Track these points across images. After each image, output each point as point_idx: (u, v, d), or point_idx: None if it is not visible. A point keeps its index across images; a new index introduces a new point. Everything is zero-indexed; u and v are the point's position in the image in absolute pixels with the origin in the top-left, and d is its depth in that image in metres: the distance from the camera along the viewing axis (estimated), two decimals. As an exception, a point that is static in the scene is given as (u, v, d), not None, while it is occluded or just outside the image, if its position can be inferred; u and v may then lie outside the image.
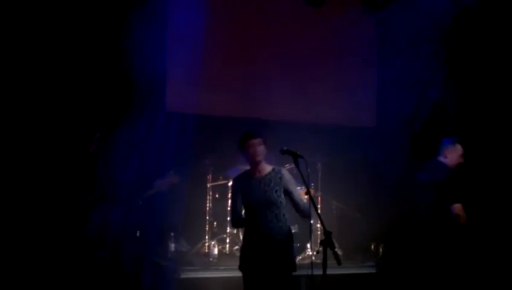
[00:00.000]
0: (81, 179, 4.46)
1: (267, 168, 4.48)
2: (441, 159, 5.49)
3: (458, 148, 5.50)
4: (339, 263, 3.97)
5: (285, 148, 4.23)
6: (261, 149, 4.38)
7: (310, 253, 6.50)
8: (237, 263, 6.05)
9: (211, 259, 6.25)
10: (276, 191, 4.36)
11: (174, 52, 6.73)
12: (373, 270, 6.47)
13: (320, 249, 4.01)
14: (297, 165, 4.21)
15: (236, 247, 6.43)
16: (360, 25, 7.50)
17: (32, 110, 5.35)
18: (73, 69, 5.66)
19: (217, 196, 6.87)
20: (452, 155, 5.47)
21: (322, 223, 4.06)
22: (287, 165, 6.30)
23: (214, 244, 6.38)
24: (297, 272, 5.23)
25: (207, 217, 6.67)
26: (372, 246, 7.13)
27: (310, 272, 4.38)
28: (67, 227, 4.26)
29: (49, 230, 4.41)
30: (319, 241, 6.54)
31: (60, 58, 5.60)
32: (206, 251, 6.44)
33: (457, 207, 5.22)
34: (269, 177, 4.42)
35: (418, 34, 7.01)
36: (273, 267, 4.29)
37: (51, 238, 4.40)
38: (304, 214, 4.45)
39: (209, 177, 6.79)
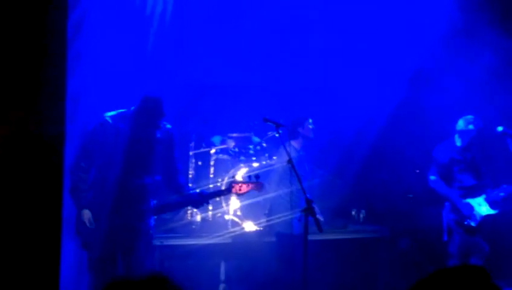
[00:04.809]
0: None
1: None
2: None
3: None
4: (320, 229, 4.02)
5: (267, 117, 4.26)
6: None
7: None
8: (220, 229, 6.14)
9: (193, 226, 6.27)
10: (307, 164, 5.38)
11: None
12: (356, 236, 6.59)
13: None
14: (278, 133, 4.24)
15: (219, 214, 6.45)
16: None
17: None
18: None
19: (199, 163, 6.85)
20: None
21: (303, 191, 4.08)
22: (270, 132, 6.31)
23: (196, 211, 6.39)
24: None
25: (190, 184, 6.66)
26: (353, 212, 7.21)
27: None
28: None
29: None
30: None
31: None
32: (189, 218, 6.46)
33: None
34: (303, 151, 5.36)
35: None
36: None
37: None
38: None
39: (192, 144, 6.76)
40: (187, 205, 4.88)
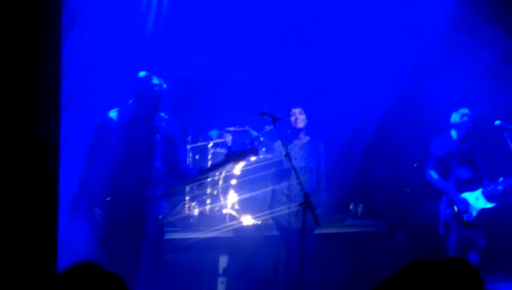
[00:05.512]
0: None
1: (306, 137, 4.99)
2: None
3: None
4: (318, 223, 4.03)
5: (264, 111, 4.26)
6: (303, 118, 4.92)
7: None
8: (218, 223, 6.14)
9: (191, 220, 6.27)
10: (310, 158, 4.90)
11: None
12: (352, 230, 6.59)
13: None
14: (276, 127, 4.24)
15: (217, 208, 6.45)
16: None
17: None
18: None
19: (196, 157, 6.84)
20: None
21: (301, 185, 4.08)
22: (267, 126, 6.30)
23: (194, 205, 6.39)
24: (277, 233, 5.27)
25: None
26: (351, 206, 7.21)
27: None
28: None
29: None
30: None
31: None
32: (187, 212, 6.46)
33: None
34: (306, 145, 4.92)
35: None
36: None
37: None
38: None
39: (189, 138, 6.75)
40: (189, 183, 4.91)
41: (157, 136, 4.13)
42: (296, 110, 4.92)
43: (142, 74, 4.12)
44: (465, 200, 5.33)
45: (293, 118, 4.91)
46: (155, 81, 4.09)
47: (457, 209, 5.34)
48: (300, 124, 4.92)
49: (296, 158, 4.68)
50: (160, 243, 4.26)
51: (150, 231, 4.08)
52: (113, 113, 4.14)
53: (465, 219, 5.32)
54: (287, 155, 4.23)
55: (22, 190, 2.49)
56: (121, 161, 3.97)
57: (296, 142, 4.94)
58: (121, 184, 4.00)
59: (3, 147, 2.48)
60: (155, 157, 4.11)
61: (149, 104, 4.08)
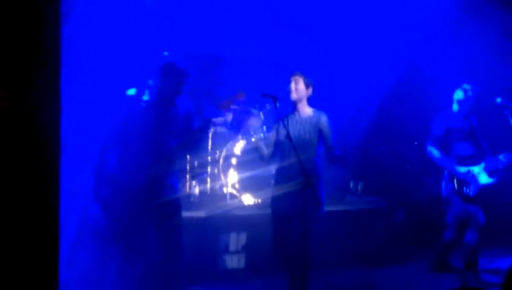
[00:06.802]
0: None
1: (306, 110, 4.51)
2: None
3: None
4: (318, 203, 4.05)
5: (264, 91, 4.24)
6: (297, 87, 4.42)
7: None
8: (218, 202, 6.17)
9: (192, 199, 6.29)
10: (310, 133, 4.41)
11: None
12: (353, 207, 6.63)
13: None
14: (276, 107, 4.23)
15: (218, 186, 6.47)
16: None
17: None
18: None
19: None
20: None
21: (302, 166, 4.09)
22: (268, 105, 6.28)
23: (194, 184, 6.40)
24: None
25: (187, 157, 6.65)
26: (351, 184, 7.24)
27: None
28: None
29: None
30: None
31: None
32: (187, 191, 6.47)
33: None
34: (306, 119, 4.47)
35: None
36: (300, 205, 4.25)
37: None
38: (333, 161, 4.50)
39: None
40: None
41: (177, 113, 4.09)
42: (294, 79, 4.47)
43: (166, 53, 4.08)
44: (467, 173, 5.35)
45: (289, 87, 4.48)
46: (180, 61, 4.04)
47: (460, 182, 5.36)
48: (294, 95, 4.46)
49: (292, 134, 4.37)
50: (177, 222, 4.22)
51: (168, 210, 4.06)
52: (132, 92, 4.12)
53: (467, 193, 5.35)
54: (288, 135, 4.22)
55: (21, 182, 2.46)
56: (144, 144, 3.93)
57: (294, 115, 4.56)
58: (145, 168, 3.97)
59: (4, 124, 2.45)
60: (175, 136, 4.08)
61: (174, 85, 4.01)
